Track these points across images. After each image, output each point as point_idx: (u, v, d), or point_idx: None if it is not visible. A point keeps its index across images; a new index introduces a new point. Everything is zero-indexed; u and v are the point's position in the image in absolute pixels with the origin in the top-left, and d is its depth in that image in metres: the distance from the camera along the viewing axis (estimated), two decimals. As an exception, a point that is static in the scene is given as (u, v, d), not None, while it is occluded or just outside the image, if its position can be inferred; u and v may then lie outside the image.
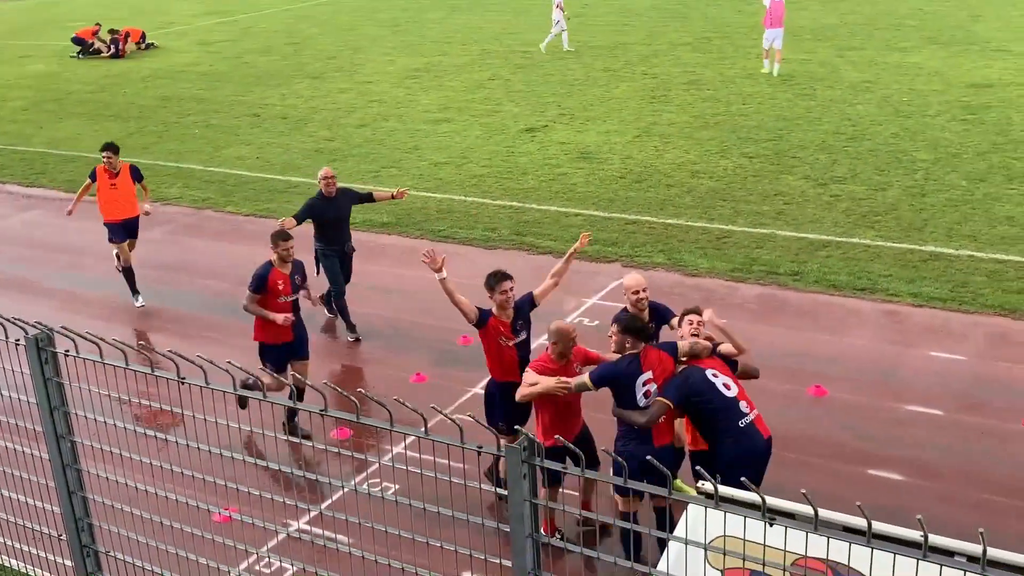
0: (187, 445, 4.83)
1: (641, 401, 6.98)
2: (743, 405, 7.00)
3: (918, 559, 3.22)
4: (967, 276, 12.25)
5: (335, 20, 35.86)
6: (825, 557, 4.34)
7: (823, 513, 3.50)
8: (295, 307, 9.55)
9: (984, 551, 3.12)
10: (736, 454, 6.83)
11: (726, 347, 7.33)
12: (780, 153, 17.23)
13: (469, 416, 4.13)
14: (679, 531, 4.54)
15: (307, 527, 7.01)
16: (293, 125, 21.41)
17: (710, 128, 18.95)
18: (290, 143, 20.09)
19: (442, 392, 10.12)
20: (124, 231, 12.75)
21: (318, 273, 11.57)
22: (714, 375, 7.07)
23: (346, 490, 7.99)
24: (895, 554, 3.27)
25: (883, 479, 8.42)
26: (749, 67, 23.49)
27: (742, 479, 3.51)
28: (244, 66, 28.18)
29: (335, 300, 11.79)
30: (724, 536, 4.66)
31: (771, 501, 3.84)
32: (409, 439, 8.99)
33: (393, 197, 11.87)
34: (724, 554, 3.75)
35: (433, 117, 21.27)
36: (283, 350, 9.46)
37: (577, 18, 32.06)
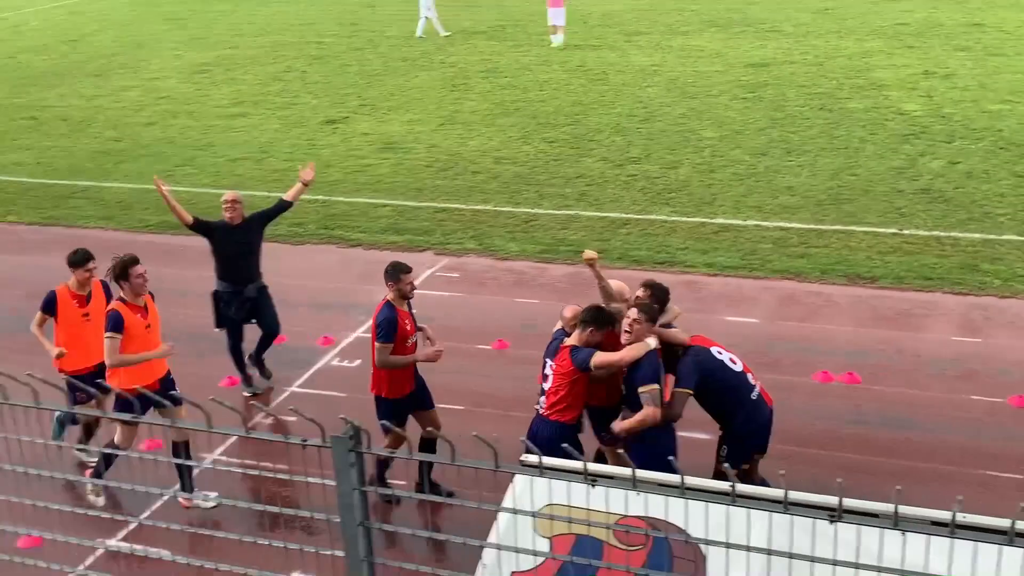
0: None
1: None
2: (750, 378, 7.11)
3: (728, 505, 3.43)
4: (755, 244, 13.06)
5: (113, 16, 33.98)
6: (645, 514, 4.57)
7: (640, 473, 3.67)
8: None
9: (786, 494, 3.37)
10: (749, 428, 6.98)
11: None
12: (578, 137, 17.76)
13: (291, 410, 4.07)
14: (507, 502, 4.65)
15: (124, 543, 6.69)
16: (75, 127, 20.20)
17: (510, 115, 19.29)
18: (73, 146, 18.95)
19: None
20: None
21: (218, 324, 9.93)
22: (719, 352, 7.10)
23: (165, 498, 7.69)
24: (708, 503, 3.47)
25: (695, 439, 8.87)
26: (543, 54, 24.04)
27: (563, 445, 3.64)
28: (17, 66, 26.31)
29: (229, 348, 10.06)
30: (550, 504, 4.82)
31: (592, 467, 4.01)
32: (229, 441, 8.77)
33: (305, 185, 10.14)
34: (552, 520, 3.87)
35: (227, 112, 20.59)
36: (407, 402, 8.23)
37: (368, 8, 31.79)
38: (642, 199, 14.82)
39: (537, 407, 7.44)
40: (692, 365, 6.96)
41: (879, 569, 3.44)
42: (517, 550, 3.85)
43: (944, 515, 3.40)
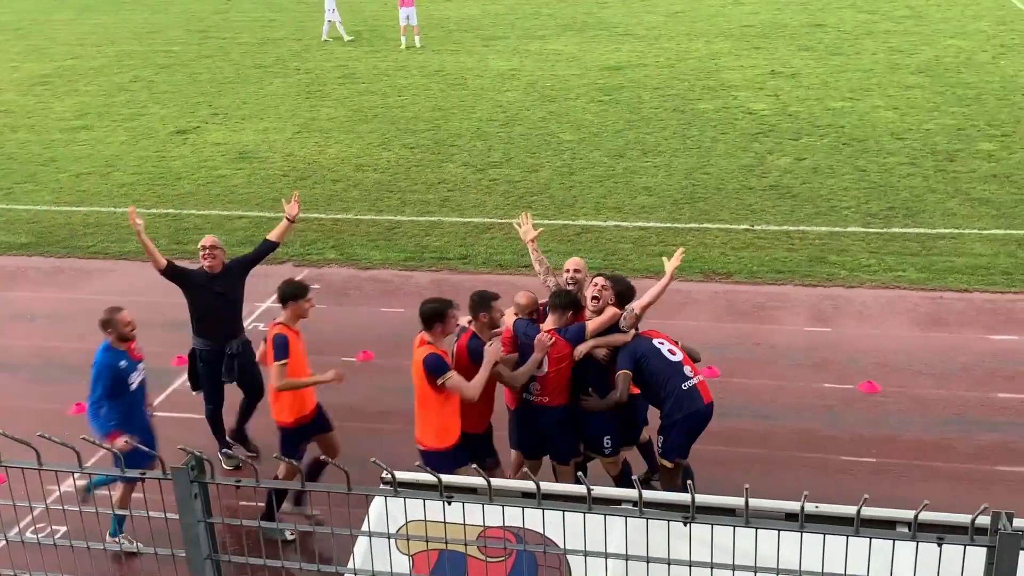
0: None
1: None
2: (687, 370, 7.28)
3: (584, 512, 3.39)
4: (616, 244, 13.25)
5: (-57, 24, 32.00)
6: (508, 524, 4.50)
7: (497, 483, 3.60)
8: None
9: (640, 496, 3.35)
10: (675, 417, 7.17)
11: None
12: (439, 142, 17.67)
13: (127, 442, 3.82)
14: (364, 525, 4.51)
15: None
16: (-99, 143, 18.90)
17: (369, 121, 19.04)
18: (-101, 164, 17.71)
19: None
20: None
21: (195, 387, 8.87)
22: (660, 343, 7.35)
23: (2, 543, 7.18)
24: (564, 511, 3.43)
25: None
26: (401, 59, 23.87)
27: (416, 464, 3.53)
28: None
29: (208, 414, 8.93)
30: (412, 521, 4.69)
31: (449, 479, 3.91)
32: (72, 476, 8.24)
33: (291, 221, 9.05)
34: (408, 540, 3.75)
35: (70, 125, 19.63)
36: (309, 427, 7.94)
37: (218, 15, 30.92)
38: (504, 203, 14.84)
39: (529, 396, 7.50)
40: (630, 350, 7.32)
41: (733, 567, 3.46)
42: (374, 574, 3.71)
43: (795, 506, 3.45)
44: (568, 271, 7.82)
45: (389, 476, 4.01)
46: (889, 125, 17.27)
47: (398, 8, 25.21)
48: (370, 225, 14.24)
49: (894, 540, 3.28)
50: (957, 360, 10.17)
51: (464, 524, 3.79)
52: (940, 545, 3.24)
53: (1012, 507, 7.89)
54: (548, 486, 4.06)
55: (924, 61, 21.38)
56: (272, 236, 9.04)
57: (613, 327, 7.40)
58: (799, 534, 3.35)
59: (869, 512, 4.02)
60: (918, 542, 3.24)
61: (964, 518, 3.40)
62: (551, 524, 3.90)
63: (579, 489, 4.35)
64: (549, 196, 15.03)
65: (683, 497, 3.78)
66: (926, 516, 3.71)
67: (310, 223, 14.35)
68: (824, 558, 3.42)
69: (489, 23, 27.80)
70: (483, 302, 7.39)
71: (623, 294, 7.62)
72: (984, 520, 3.35)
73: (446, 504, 3.56)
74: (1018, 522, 3.47)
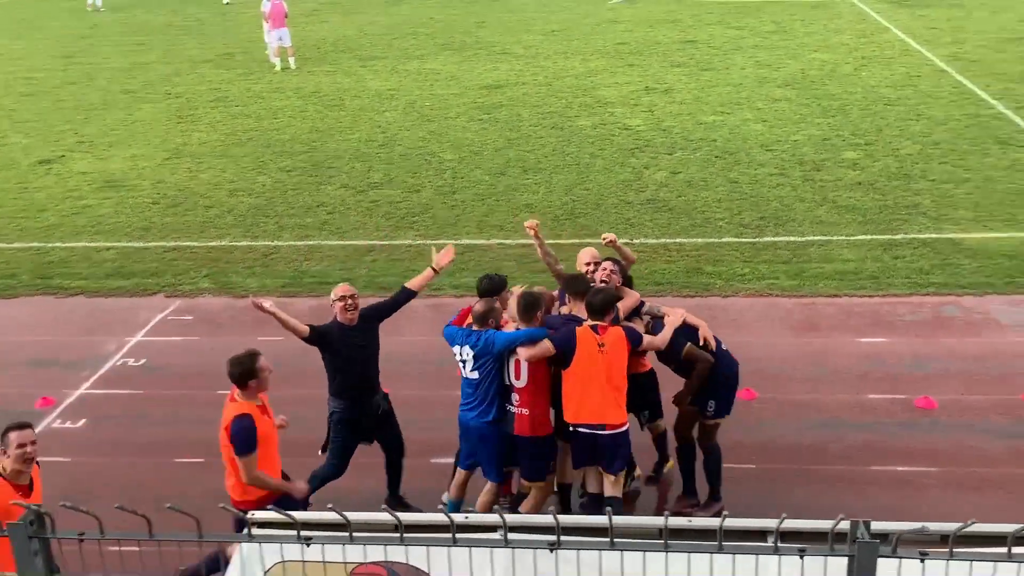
0: None
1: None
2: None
3: (449, 546, 3.30)
4: (499, 263, 13.21)
5: None
6: (384, 559, 4.36)
7: (359, 517, 3.48)
8: None
9: (505, 525, 3.27)
10: (728, 373, 7.81)
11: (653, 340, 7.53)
12: (317, 164, 17.38)
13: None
14: (232, 571, 4.30)
15: None
16: None
17: (244, 145, 18.61)
18: None
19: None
20: None
21: (324, 448, 8.06)
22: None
23: None
24: (428, 546, 3.33)
25: (448, 465, 8.76)
26: (275, 81, 23.45)
27: (270, 507, 3.38)
28: None
29: (327, 476, 7.98)
30: (282, 562, 4.51)
31: (308, 517, 3.77)
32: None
33: (436, 272, 8.27)
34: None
35: (-77, 157, 18.62)
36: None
37: (84, 39, 29.87)
38: (386, 224, 14.68)
39: (511, 407, 7.35)
40: (679, 331, 7.59)
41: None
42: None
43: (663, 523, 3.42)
44: (588, 264, 8.06)
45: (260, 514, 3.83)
46: (759, 137, 17.79)
47: (269, 31, 24.79)
48: (246, 251, 13.88)
49: (757, 555, 3.29)
50: (829, 364, 10.47)
51: (324, 562, 3.65)
52: (802, 557, 3.25)
53: (885, 506, 8.16)
54: (410, 517, 3.94)
55: (790, 74, 22.14)
56: (412, 285, 8.16)
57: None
58: (665, 553, 3.33)
59: (736, 524, 4.03)
60: (780, 555, 3.24)
61: (827, 525, 3.43)
62: (422, 556, 3.79)
63: (443, 519, 4.24)
64: (431, 216, 14.93)
65: (550, 520, 3.72)
66: (790, 525, 3.74)
67: (182, 251, 13.91)
68: (690, 574, 3.40)
69: (366, 43, 27.61)
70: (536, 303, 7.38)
71: (630, 278, 8.15)
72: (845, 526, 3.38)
73: (304, 547, 3.42)
74: (881, 525, 3.53)
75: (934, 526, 3.51)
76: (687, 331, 7.68)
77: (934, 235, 13.35)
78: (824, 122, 18.47)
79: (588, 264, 8.06)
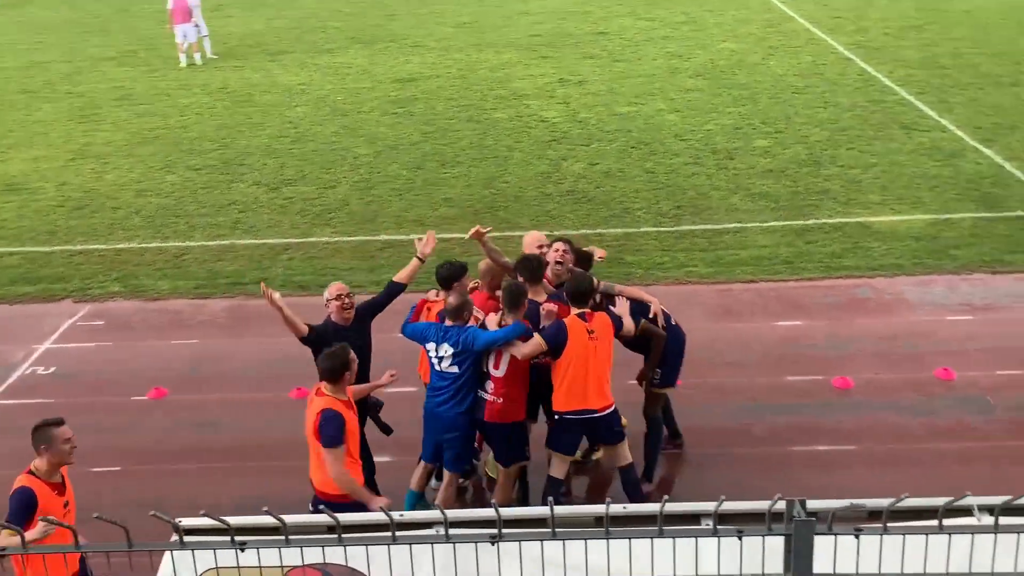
0: None
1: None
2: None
3: (389, 544, 3.22)
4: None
5: None
6: (322, 560, 4.27)
7: (304, 519, 3.38)
8: None
9: (446, 521, 3.22)
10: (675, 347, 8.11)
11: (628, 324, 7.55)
12: (227, 162, 16.99)
13: None
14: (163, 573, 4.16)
15: None
16: None
17: (150, 144, 18.08)
18: None
19: None
20: None
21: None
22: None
23: None
24: (367, 546, 3.26)
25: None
26: (182, 78, 22.84)
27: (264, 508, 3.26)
28: None
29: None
30: (216, 568, 4.37)
31: (240, 521, 3.65)
32: None
33: (422, 261, 8.23)
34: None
35: None
36: None
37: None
38: (301, 222, 14.42)
39: (483, 394, 7.45)
40: (635, 310, 7.84)
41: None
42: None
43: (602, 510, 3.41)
44: (541, 247, 8.27)
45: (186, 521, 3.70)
46: (672, 127, 18.01)
47: (173, 26, 24.13)
48: (156, 253, 13.49)
49: (696, 538, 3.30)
50: (749, 348, 10.66)
51: (260, 567, 3.55)
52: (740, 538, 3.27)
53: (811, 485, 8.29)
54: (349, 518, 3.86)
55: (701, 64, 22.45)
56: (399, 278, 8.10)
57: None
58: (606, 541, 3.31)
59: (675, 508, 4.05)
60: (720, 536, 3.26)
61: (763, 506, 3.45)
62: (360, 556, 3.70)
63: (383, 518, 4.17)
64: (348, 212, 14.73)
65: (490, 513, 3.67)
66: (728, 507, 3.76)
67: (89, 255, 13.45)
68: (631, 560, 3.39)
69: (274, 38, 27.09)
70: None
71: (582, 256, 8.26)
72: (781, 507, 3.41)
73: (239, 552, 3.31)
74: (816, 503, 3.57)
75: (866, 502, 3.58)
76: (639, 308, 7.85)
77: (844, 219, 13.69)
78: (735, 111, 18.79)
79: (540, 247, 8.21)
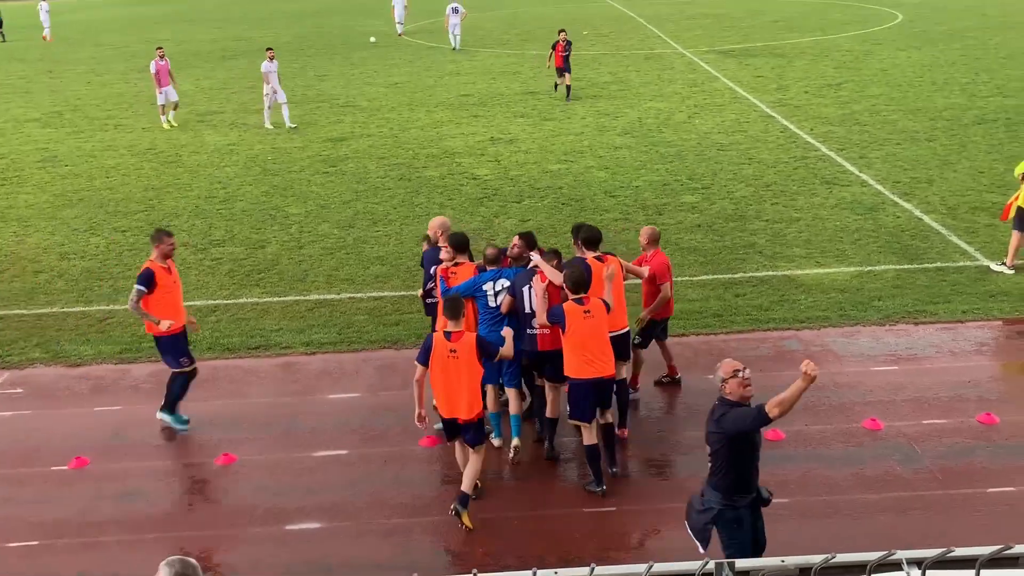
0: None
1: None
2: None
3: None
4: (351, 317, 12.97)
5: None
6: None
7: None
8: None
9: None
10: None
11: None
12: (154, 223, 16.67)
13: None
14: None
15: None
16: None
17: (74, 206, 17.74)
18: None
19: None
20: None
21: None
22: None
23: None
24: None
25: (302, 531, 8.45)
26: (107, 139, 22.54)
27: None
28: None
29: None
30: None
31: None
32: None
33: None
34: None
35: None
36: None
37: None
38: (229, 283, 14.21)
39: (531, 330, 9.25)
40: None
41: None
42: None
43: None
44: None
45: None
46: (602, 184, 18.24)
47: (158, 90, 24.10)
48: (79, 318, 13.14)
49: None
50: (679, 401, 10.70)
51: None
52: (671, 602, 3.23)
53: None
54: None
55: (629, 123, 22.88)
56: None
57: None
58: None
59: (605, 572, 3.99)
60: (651, 602, 3.21)
61: (694, 567, 3.42)
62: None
63: None
64: (278, 272, 14.56)
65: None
66: (659, 569, 3.72)
67: (9, 320, 13.06)
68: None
69: (203, 98, 26.96)
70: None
71: (531, 243, 9.63)
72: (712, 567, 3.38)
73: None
74: (745, 563, 3.55)
75: (798, 560, 3.57)
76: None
77: (771, 272, 13.93)
78: (663, 168, 19.12)
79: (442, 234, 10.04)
